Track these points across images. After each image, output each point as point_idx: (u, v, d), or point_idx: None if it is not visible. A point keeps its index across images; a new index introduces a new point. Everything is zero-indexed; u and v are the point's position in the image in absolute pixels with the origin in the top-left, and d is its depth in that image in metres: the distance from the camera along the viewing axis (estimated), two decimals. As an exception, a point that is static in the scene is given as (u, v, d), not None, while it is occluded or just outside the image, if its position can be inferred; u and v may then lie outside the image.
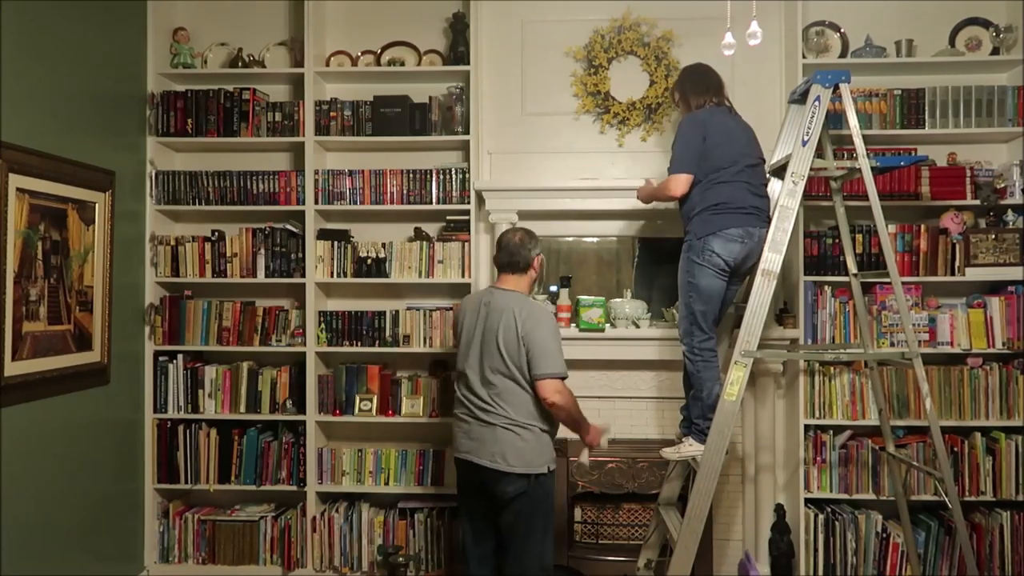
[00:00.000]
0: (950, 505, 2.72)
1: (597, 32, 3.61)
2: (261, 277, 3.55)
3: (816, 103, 2.65)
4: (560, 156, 3.63)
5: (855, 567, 3.30)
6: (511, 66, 3.66)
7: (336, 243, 3.54)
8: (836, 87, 2.68)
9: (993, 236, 3.27)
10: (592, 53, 3.60)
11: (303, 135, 3.54)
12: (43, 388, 2.82)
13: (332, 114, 3.55)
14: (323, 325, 3.54)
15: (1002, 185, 3.31)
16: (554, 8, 3.63)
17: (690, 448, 2.81)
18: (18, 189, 2.67)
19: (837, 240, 3.24)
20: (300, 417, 3.53)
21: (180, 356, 3.59)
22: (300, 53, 3.58)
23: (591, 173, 3.57)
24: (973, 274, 3.28)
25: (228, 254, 3.57)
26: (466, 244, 3.46)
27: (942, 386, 3.28)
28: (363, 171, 3.53)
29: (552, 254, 3.70)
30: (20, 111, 2.70)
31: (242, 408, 3.58)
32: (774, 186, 2.98)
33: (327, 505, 3.62)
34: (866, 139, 2.91)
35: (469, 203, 3.48)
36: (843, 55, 3.47)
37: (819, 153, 2.84)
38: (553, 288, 3.58)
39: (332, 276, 3.54)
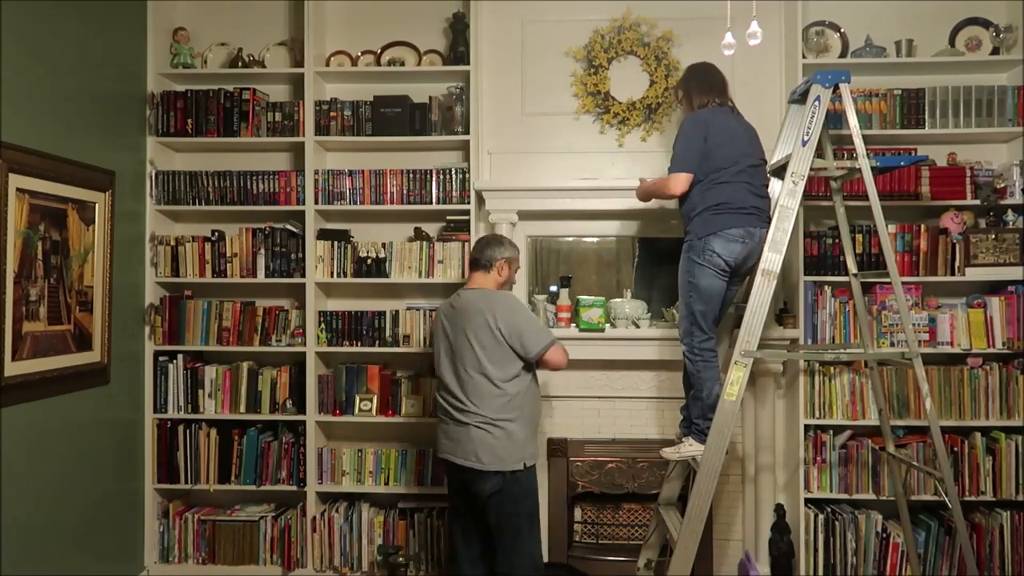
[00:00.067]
0: (950, 505, 2.72)
1: (597, 32, 3.61)
2: (261, 277, 3.55)
3: (816, 103, 2.66)
4: (560, 156, 3.63)
5: (855, 567, 3.30)
6: (511, 66, 3.66)
7: (336, 243, 3.54)
8: (836, 87, 2.68)
9: (993, 236, 3.27)
10: (592, 53, 3.60)
11: (303, 135, 3.54)
12: (43, 388, 2.82)
13: (332, 114, 3.55)
14: (323, 325, 3.54)
15: (1002, 185, 3.31)
16: (554, 8, 3.63)
17: (690, 448, 2.81)
18: (18, 189, 2.67)
19: (837, 240, 3.24)
20: (300, 417, 3.53)
21: (180, 356, 3.59)
22: (300, 53, 3.58)
23: (591, 173, 3.57)
24: (973, 274, 3.28)
25: (228, 254, 3.57)
26: (466, 244, 3.46)
27: (942, 386, 3.28)
28: (363, 171, 3.53)
29: (552, 254, 3.71)
30: (20, 111, 2.70)
31: (242, 408, 3.58)
32: (774, 186, 2.98)
33: (327, 505, 3.62)
34: (866, 139, 2.91)
35: (469, 203, 3.48)
36: (843, 55, 3.47)
37: (819, 153, 2.84)
38: (553, 288, 3.58)
39: (332, 276, 3.54)
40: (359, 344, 3.54)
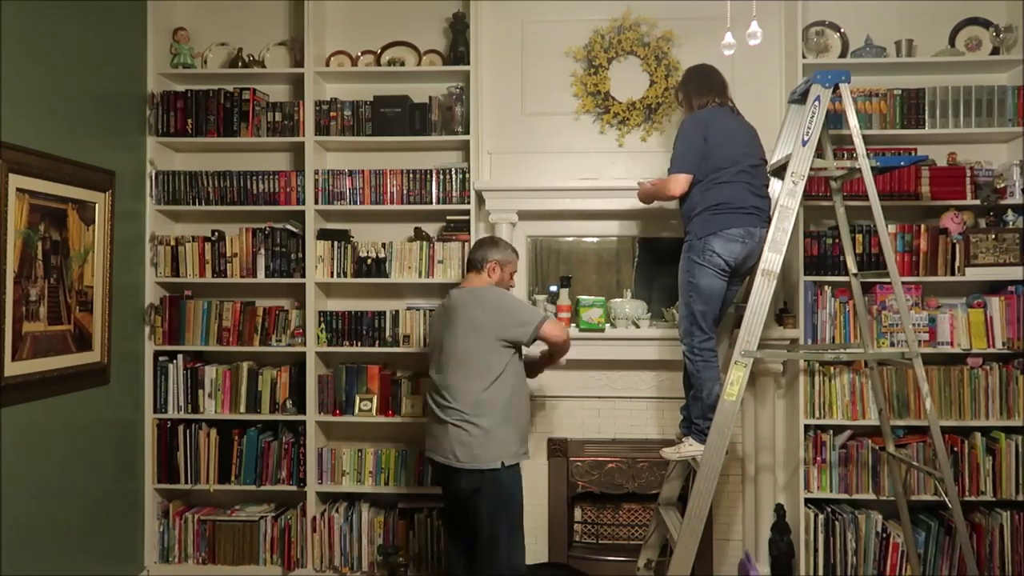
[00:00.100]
0: (950, 505, 2.72)
1: (597, 32, 3.61)
2: (261, 277, 3.55)
3: (816, 103, 2.66)
4: (560, 156, 3.63)
5: (855, 567, 3.30)
6: (511, 66, 3.66)
7: (336, 243, 3.54)
8: (836, 87, 2.68)
9: (993, 236, 3.27)
10: (592, 53, 3.60)
11: (303, 135, 3.54)
12: (43, 388, 2.82)
13: (332, 114, 3.55)
14: (323, 325, 3.55)
15: (1002, 185, 3.31)
16: (554, 8, 3.63)
17: (690, 448, 2.81)
18: (18, 189, 2.67)
19: (837, 240, 3.24)
20: (300, 417, 3.53)
21: (180, 356, 3.59)
22: (300, 53, 3.58)
23: (591, 173, 3.57)
24: (973, 274, 3.28)
25: (228, 254, 3.57)
26: (466, 244, 3.46)
27: (942, 386, 3.28)
28: (363, 171, 3.53)
29: (552, 254, 3.71)
30: (20, 111, 2.70)
31: (242, 408, 3.58)
32: (774, 186, 2.98)
33: (327, 505, 3.62)
34: (866, 139, 2.91)
35: (469, 203, 3.48)
36: (843, 55, 3.47)
37: (819, 153, 2.84)
38: (553, 288, 3.58)
39: (332, 276, 3.54)
40: (359, 344, 3.54)
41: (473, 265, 2.80)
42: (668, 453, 2.91)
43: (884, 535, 3.29)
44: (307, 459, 3.52)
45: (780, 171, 2.80)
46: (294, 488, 3.54)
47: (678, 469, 3.06)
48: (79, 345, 3.05)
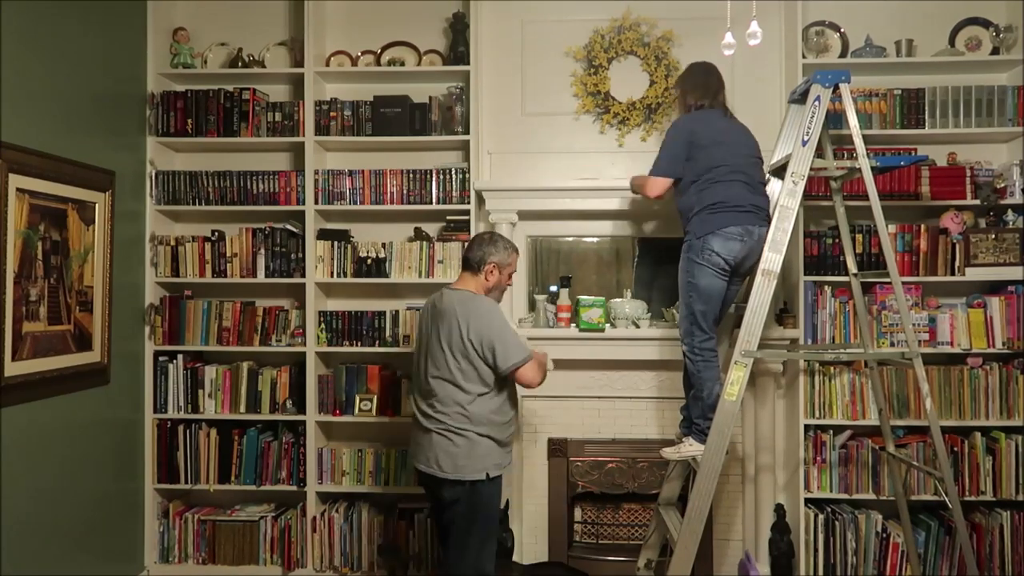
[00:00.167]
0: (950, 505, 2.72)
1: (597, 32, 3.61)
2: (261, 277, 3.55)
3: (816, 103, 2.66)
4: (560, 156, 3.63)
5: (855, 567, 3.30)
6: (511, 66, 3.66)
7: (336, 243, 3.54)
8: (836, 87, 2.68)
9: (993, 236, 3.27)
10: (592, 53, 3.60)
11: (303, 135, 3.54)
12: (43, 388, 2.82)
13: (332, 114, 3.55)
14: (323, 325, 3.54)
15: (1002, 185, 3.31)
16: (554, 8, 3.63)
17: (690, 448, 2.81)
18: (18, 189, 2.67)
19: (837, 240, 3.24)
20: (300, 417, 3.53)
21: (180, 356, 3.59)
22: (300, 53, 3.58)
23: (591, 173, 3.57)
24: (973, 274, 3.28)
25: (228, 254, 3.57)
26: (466, 244, 3.46)
27: (942, 386, 3.28)
28: (363, 171, 3.53)
29: (552, 254, 3.71)
30: (20, 111, 2.70)
31: (242, 408, 3.58)
32: (774, 186, 2.98)
33: (327, 505, 3.62)
34: (866, 139, 2.91)
35: (469, 203, 3.48)
36: (843, 55, 3.47)
37: (819, 153, 2.84)
38: (553, 288, 3.58)
39: (332, 276, 3.54)
40: (359, 344, 3.54)
41: (469, 265, 2.66)
42: (668, 453, 2.91)
43: (884, 535, 3.29)
44: (307, 459, 3.52)
45: (780, 171, 2.80)
46: (294, 488, 3.54)
47: (678, 469, 3.07)
48: (79, 345, 3.05)
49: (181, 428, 3.58)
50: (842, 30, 3.49)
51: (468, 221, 3.49)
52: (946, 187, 3.33)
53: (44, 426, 2.85)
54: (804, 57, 3.36)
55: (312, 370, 3.53)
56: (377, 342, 3.54)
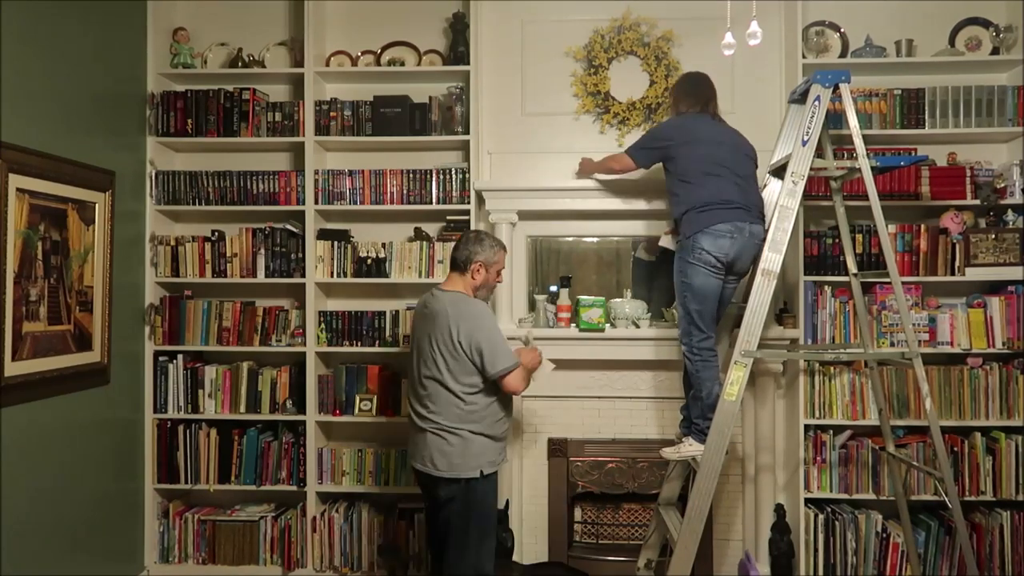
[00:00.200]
0: (950, 505, 2.72)
1: (597, 32, 3.61)
2: (261, 277, 3.55)
3: (816, 103, 2.66)
4: (560, 156, 3.62)
5: (855, 567, 3.30)
6: (511, 66, 3.66)
7: (336, 243, 3.54)
8: (836, 87, 2.69)
9: (993, 236, 3.27)
10: (592, 53, 3.60)
11: (303, 135, 3.54)
12: (43, 388, 2.82)
13: (332, 114, 3.55)
14: (323, 325, 3.54)
15: (1002, 185, 3.31)
16: (554, 8, 3.63)
17: (690, 448, 2.81)
18: (18, 189, 2.67)
19: (837, 240, 3.24)
20: (300, 417, 3.53)
21: (180, 356, 3.59)
22: (300, 53, 3.58)
23: (591, 173, 3.57)
24: (973, 274, 3.28)
25: (228, 254, 3.57)
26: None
27: (942, 386, 3.28)
28: (363, 171, 3.53)
29: (552, 254, 3.71)
30: (20, 111, 2.70)
31: (242, 408, 3.58)
32: (774, 186, 2.98)
33: (327, 505, 3.62)
34: (866, 139, 2.91)
35: (469, 203, 3.48)
36: (843, 55, 3.47)
37: (819, 153, 2.85)
38: (553, 288, 3.58)
39: (332, 276, 3.54)
40: (359, 344, 3.54)
41: (456, 265, 2.68)
42: (668, 453, 2.91)
43: (884, 535, 3.29)
44: (307, 459, 3.52)
45: (780, 171, 2.80)
46: (294, 488, 3.54)
47: (678, 469, 3.07)
48: (79, 345, 3.05)
49: (181, 428, 3.58)
50: (842, 30, 3.49)
51: (468, 221, 3.49)
52: (946, 187, 3.33)
53: (44, 426, 2.85)
54: (804, 57, 3.36)
55: (312, 370, 3.53)
56: (377, 342, 3.54)
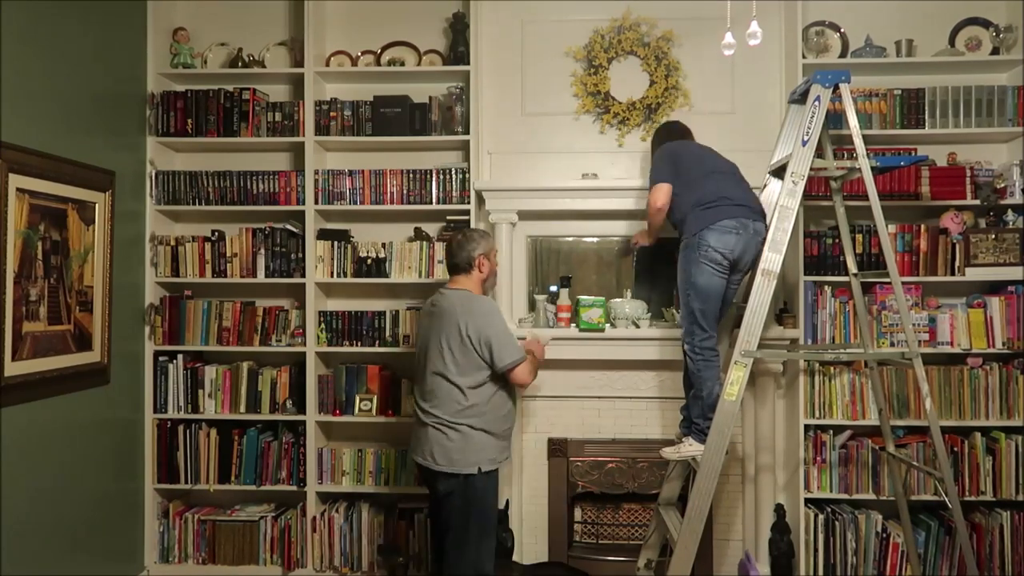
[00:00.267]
0: (950, 505, 2.72)
1: (597, 32, 3.61)
2: (261, 277, 3.55)
3: (816, 103, 2.66)
4: (560, 156, 3.63)
5: (855, 567, 3.30)
6: (511, 66, 3.66)
7: (336, 243, 3.54)
8: (836, 87, 2.69)
9: (993, 236, 3.27)
10: (592, 53, 3.60)
11: (303, 135, 3.54)
12: (43, 388, 2.82)
13: (332, 114, 3.55)
14: (323, 325, 3.54)
15: (1002, 185, 3.31)
16: (554, 8, 3.63)
17: (690, 448, 2.81)
18: (18, 189, 2.67)
19: (837, 240, 3.24)
20: (300, 417, 3.53)
21: (180, 356, 3.59)
22: (300, 53, 3.58)
23: (591, 173, 3.57)
24: (973, 274, 3.28)
25: (228, 254, 3.57)
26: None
27: (942, 386, 3.28)
28: (363, 171, 3.53)
29: (552, 254, 3.70)
30: (20, 111, 2.70)
31: (242, 408, 3.58)
32: (774, 186, 2.99)
33: (327, 505, 3.62)
34: (866, 139, 2.91)
35: (469, 203, 3.48)
36: (843, 55, 3.47)
37: (819, 153, 2.85)
38: (553, 288, 3.58)
39: (332, 276, 3.54)
40: (359, 344, 3.54)
41: (459, 269, 2.73)
42: (668, 453, 2.91)
43: (884, 535, 3.29)
44: (307, 459, 3.52)
45: (780, 171, 2.81)
46: (294, 488, 3.54)
47: (678, 469, 3.07)
48: (79, 345, 3.05)
49: (181, 428, 3.58)
50: (842, 30, 3.49)
51: (468, 221, 3.48)
52: (946, 187, 3.33)
53: (44, 426, 2.85)
54: (804, 57, 3.36)
55: (312, 370, 3.53)
56: (377, 342, 3.54)
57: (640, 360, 3.45)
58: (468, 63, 3.50)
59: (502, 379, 2.64)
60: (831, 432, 3.34)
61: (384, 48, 3.69)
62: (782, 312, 3.39)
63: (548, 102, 3.65)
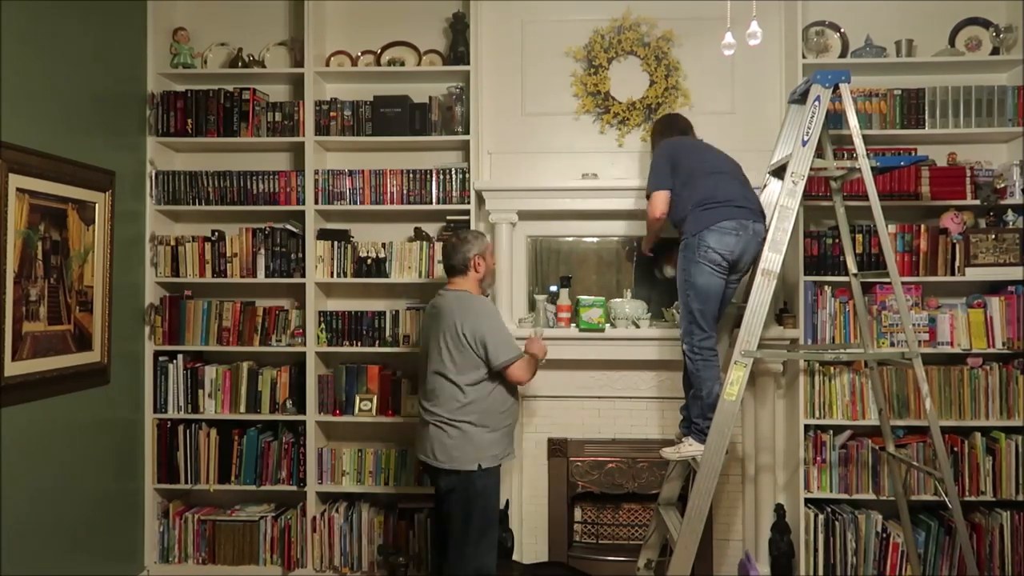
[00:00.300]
0: (950, 505, 2.72)
1: (597, 32, 3.61)
2: (261, 277, 3.55)
3: (816, 103, 2.66)
4: (560, 156, 3.63)
5: (855, 567, 3.30)
6: (511, 66, 3.66)
7: (336, 243, 3.54)
8: (836, 87, 2.69)
9: (993, 236, 3.27)
10: (592, 53, 3.60)
11: (303, 135, 3.54)
12: (43, 388, 2.82)
13: (332, 114, 3.55)
14: (323, 325, 3.55)
15: (1002, 185, 3.31)
16: (554, 8, 3.63)
17: (690, 448, 2.81)
18: (18, 189, 2.67)
19: (837, 240, 3.24)
20: (300, 417, 3.53)
21: (180, 356, 3.59)
22: (300, 53, 3.58)
23: (591, 173, 3.57)
24: (973, 274, 3.28)
25: (228, 254, 3.57)
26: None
27: (942, 386, 3.28)
28: (363, 171, 3.53)
29: (552, 254, 3.70)
30: (20, 111, 2.70)
31: (242, 408, 3.58)
32: (774, 186, 2.99)
33: (327, 505, 3.62)
34: (866, 139, 2.91)
35: (469, 203, 3.48)
36: (843, 55, 3.47)
37: (819, 153, 2.84)
38: (553, 288, 3.58)
39: (332, 276, 3.54)
40: (359, 344, 3.55)
41: (456, 271, 2.78)
42: (668, 453, 2.91)
43: (884, 535, 3.29)
44: (307, 459, 3.52)
45: (780, 171, 2.80)
46: (294, 488, 3.54)
47: (678, 469, 3.07)
48: (79, 345, 3.05)
49: (181, 428, 3.58)
50: (842, 30, 3.49)
51: (468, 221, 3.48)
52: (946, 187, 3.33)
53: (44, 426, 2.85)
54: (804, 57, 3.36)
55: (312, 370, 3.53)
56: (377, 342, 3.54)
57: (640, 360, 3.45)
58: (468, 63, 3.50)
59: (500, 376, 2.68)
60: (831, 432, 3.34)
61: (384, 48, 3.69)
62: (782, 312, 3.39)
63: (548, 102, 3.65)
